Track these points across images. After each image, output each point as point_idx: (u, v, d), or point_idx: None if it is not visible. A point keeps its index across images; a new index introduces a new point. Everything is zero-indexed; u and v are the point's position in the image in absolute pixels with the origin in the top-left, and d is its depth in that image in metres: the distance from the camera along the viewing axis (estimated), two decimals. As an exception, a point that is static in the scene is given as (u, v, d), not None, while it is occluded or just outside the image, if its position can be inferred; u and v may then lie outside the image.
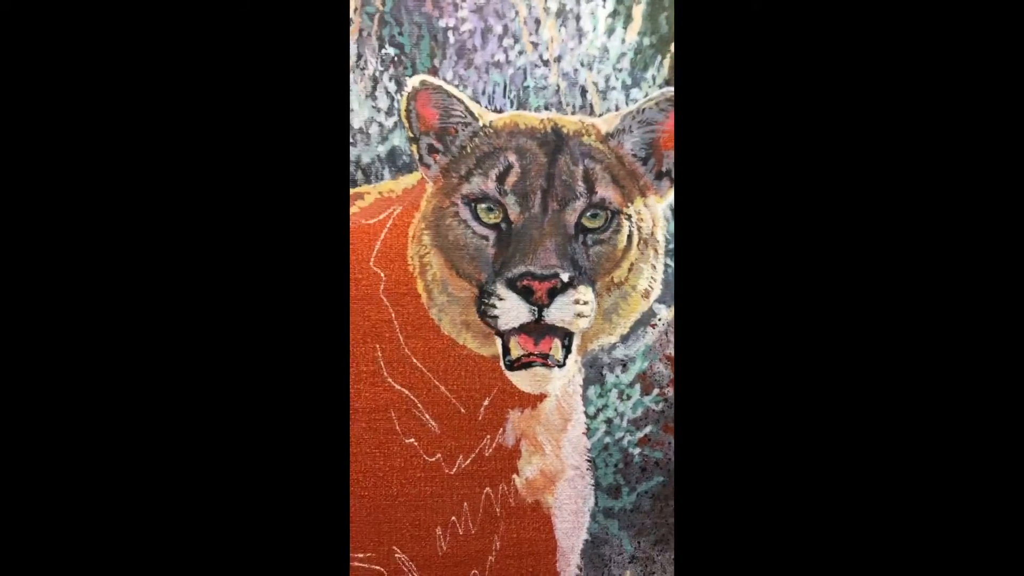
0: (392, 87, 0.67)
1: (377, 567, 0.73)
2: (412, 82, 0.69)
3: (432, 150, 0.71)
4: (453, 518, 0.74)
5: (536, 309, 0.68)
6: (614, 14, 0.65)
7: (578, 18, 0.66)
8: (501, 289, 0.67)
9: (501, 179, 0.69)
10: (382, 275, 0.70)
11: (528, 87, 0.68)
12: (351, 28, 0.66)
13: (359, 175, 0.69)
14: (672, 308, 0.76)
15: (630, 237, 0.72)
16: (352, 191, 0.71)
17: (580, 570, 0.76)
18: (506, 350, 0.69)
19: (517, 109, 0.70)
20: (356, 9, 0.65)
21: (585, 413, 0.77)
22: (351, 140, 0.70)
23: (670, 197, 0.70)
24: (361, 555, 0.72)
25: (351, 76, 0.69)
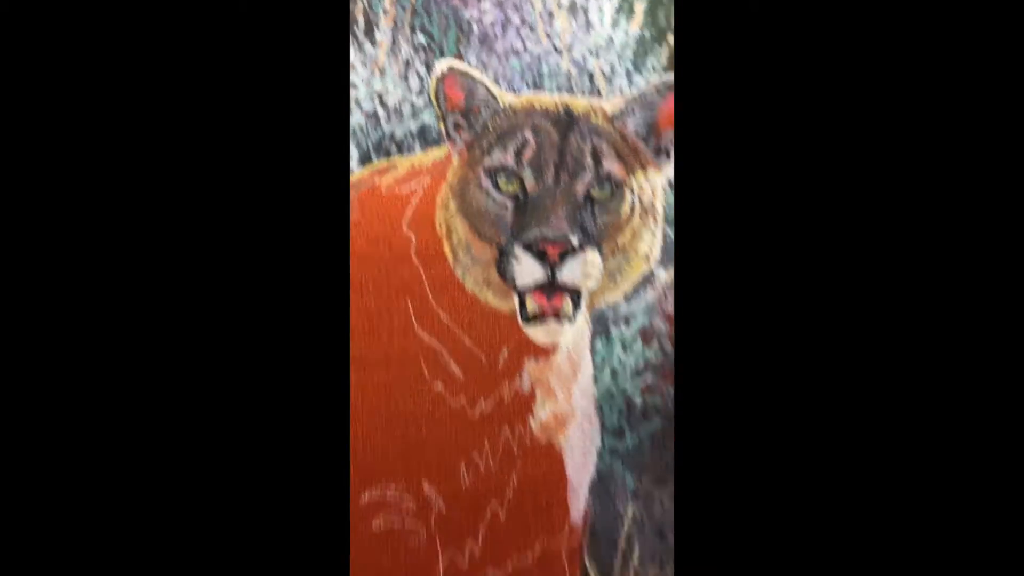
0: (423, 71, 0.72)
1: (408, 497, 0.77)
2: (440, 66, 0.73)
3: (458, 127, 0.75)
4: (475, 455, 0.77)
5: (549, 269, 0.73)
6: (619, 8, 0.71)
7: (587, 11, 0.71)
8: (518, 251, 0.72)
9: (519, 154, 0.73)
10: (413, 238, 0.75)
11: (543, 72, 0.73)
12: (387, 18, 0.70)
13: (393, 148, 0.74)
14: (671, 270, 0.81)
15: (632, 207, 0.76)
16: (386, 162, 0.77)
17: (588, 504, 0.80)
18: (523, 306, 0.74)
19: (533, 92, 0.74)
20: (391, 2, 0.71)
21: (592, 363, 0.80)
22: (387, 116, 0.74)
23: (669, 171, 0.76)
24: (394, 487, 0.76)
25: (386, 59, 0.73)
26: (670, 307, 0.82)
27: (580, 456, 0.79)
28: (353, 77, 0.71)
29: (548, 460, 0.79)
